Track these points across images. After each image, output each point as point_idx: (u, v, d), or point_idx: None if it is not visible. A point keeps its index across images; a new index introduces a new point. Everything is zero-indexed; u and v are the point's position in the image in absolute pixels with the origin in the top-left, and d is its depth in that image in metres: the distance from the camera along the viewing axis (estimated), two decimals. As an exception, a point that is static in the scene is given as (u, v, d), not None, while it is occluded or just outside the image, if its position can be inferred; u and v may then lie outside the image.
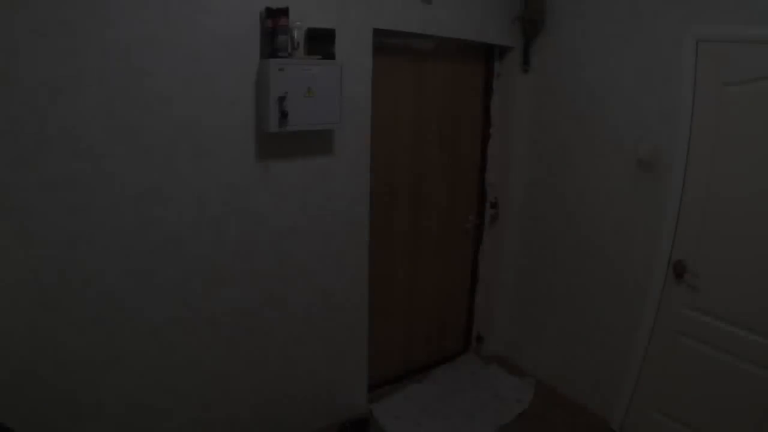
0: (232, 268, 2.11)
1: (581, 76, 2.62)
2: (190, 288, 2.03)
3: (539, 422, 2.73)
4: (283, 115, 1.93)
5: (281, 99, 1.92)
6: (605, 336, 2.65)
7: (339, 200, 2.35)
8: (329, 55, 2.07)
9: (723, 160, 2.12)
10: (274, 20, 1.92)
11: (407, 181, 2.81)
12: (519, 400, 2.88)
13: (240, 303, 2.16)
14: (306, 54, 2.03)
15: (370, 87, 2.34)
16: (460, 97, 2.92)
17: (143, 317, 1.94)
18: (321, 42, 2.06)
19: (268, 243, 2.18)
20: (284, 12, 1.92)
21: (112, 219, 1.81)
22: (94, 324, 1.84)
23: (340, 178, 2.33)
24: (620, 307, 2.56)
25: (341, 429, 2.54)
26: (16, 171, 1.61)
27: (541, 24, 2.74)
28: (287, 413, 2.44)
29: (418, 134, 2.79)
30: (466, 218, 3.09)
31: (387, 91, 2.58)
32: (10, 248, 1.64)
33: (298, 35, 1.98)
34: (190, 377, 2.10)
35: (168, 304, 1.99)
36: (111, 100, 1.72)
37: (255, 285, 2.19)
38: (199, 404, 2.15)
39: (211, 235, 2.03)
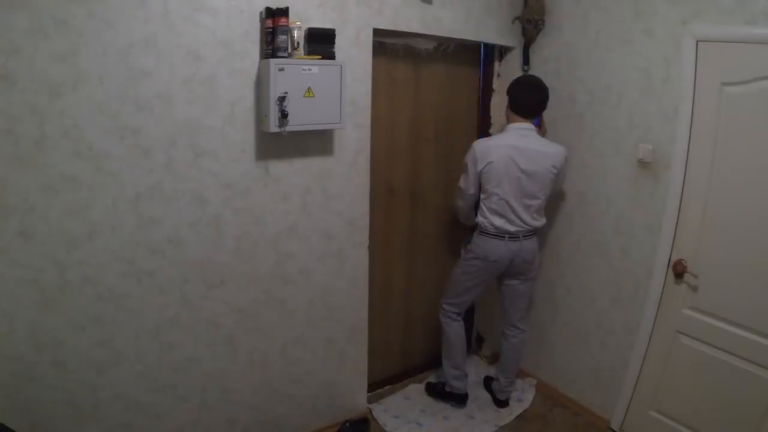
0: (232, 268, 2.11)
1: (581, 77, 2.62)
2: (190, 288, 2.03)
3: (539, 422, 2.73)
4: (283, 115, 1.93)
5: (281, 99, 1.92)
6: (605, 336, 2.65)
7: (339, 200, 2.35)
8: (329, 55, 2.07)
9: (723, 160, 2.12)
10: (274, 20, 1.92)
11: (406, 181, 2.81)
12: (520, 400, 2.88)
13: (240, 303, 2.16)
14: (306, 54, 2.03)
15: (370, 87, 2.34)
16: (460, 96, 2.93)
17: (143, 317, 1.94)
18: (321, 42, 2.06)
19: (268, 243, 2.18)
20: (284, 12, 1.92)
21: (112, 219, 1.81)
22: (94, 324, 1.84)
23: (340, 178, 2.33)
24: (620, 307, 2.56)
25: (341, 429, 2.54)
26: (16, 171, 1.61)
27: (541, 24, 2.74)
28: (287, 413, 2.43)
29: (417, 134, 2.79)
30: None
31: (387, 91, 2.59)
32: (10, 248, 1.64)
33: (298, 35, 1.98)
34: (190, 377, 2.10)
35: (168, 304, 1.99)
36: (111, 100, 1.72)
37: (255, 285, 2.19)
38: (199, 404, 2.15)
39: (211, 235, 2.03)
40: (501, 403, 2.83)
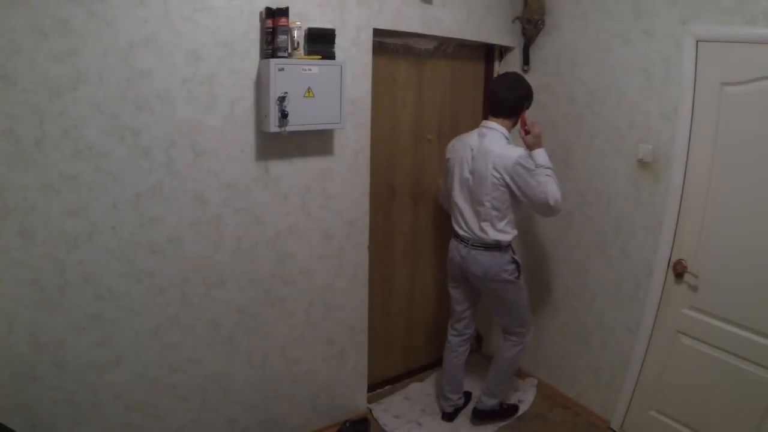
0: (232, 268, 2.11)
1: (581, 76, 2.62)
2: (190, 288, 2.03)
3: (539, 422, 2.73)
4: (283, 115, 1.93)
5: (281, 99, 1.92)
6: (605, 336, 2.65)
7: (339, 200, 2.35)
8: (329, 55, 2.07)
9: (723, 160, 2.12)
10: (274, 20, 1.92)
11: (407, 181, 2.81)
12: (520, 400, 2.88)
13: (240, 303, 2.16)
14: (306, 54, 2.03)
15: (370, 87, 2.34)
16: (460, 97, 2.92)
17: (143, 317, 1.94)
18: (321, 42, 2.06)
19: (268, 243, 2.18)
20: (284, 12, 1.92)
21: (112, 219, 1.81)
22: (94, 324, 1.84)
23: (340, 178, 2.33)
24: (620, 307, 2.56)
25: (341, 429, 2.54)
26: (16, 171, 1.61)
27: (541, 24, 2.74)
28: (287, 413, 2.43)
29: (418, 134, 2.79)
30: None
31: (387, 91, 2.59)
32: (10, 248, 1.64)
33: (298, 35, 1.98)
34: (190, 377, 2.10)
35: (168, 304, 1.99)
36: (111, 100, 1.72)
37: (255, 285, 2.19)
38: (199, 404, 2.15)
39: (211, 235, 2.03)
40: (446, 415, 2.68)
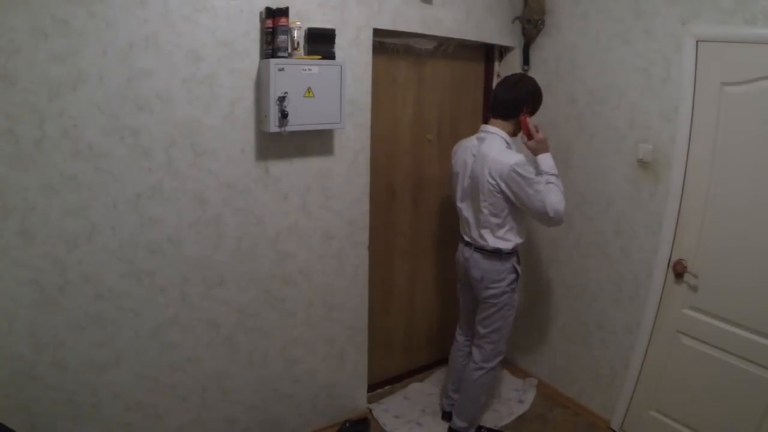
0: (232, 268, 2.11)
1: (581, 76, 2.62)
2: (190, 288, 2.03)
3: (539, 422, 2.73)
4: (283, 115, 1.93)
5: (281, 99, 1.92)
6: (605, 336, 2.65)
7: (339, 200, 2.35)
8: (329, 55, 2.07)
9: (723, 160, 2.12)
10: (274, 20, 1.92)
11: (408, 182, 2.81)
12: (521, 400, 2.88)
13: (240, 303, 2.16)
14: (306, 54, 2.03)
15: (370, 87, 2.34)
16: (460, 97, 2.93)
17: (143, 317, 1.94)
18: (321, 42, 2.06)
19: (268, 243, 2.18)
20: (284, 12, 1.92)
21: (112, 219, 1.81)
22: (94, 324, 1.84)
23: (340, 178, 2.33)
24: (620, 307, 2.56)
25: (341, 429, 2.54)
26: (16, 171, 1.61)
27: (541, 24, 2.74)
28: (287, 413, 2.44)
29: (418, 134, 2.79)
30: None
31: (387, 91, 2.59)
32: (10, 248, 1.64)
33: (298, 35, 1.98)
34: (190, 377, 2.10)
35: (168, 304, 1.99)
36: (111, 100, 1.73)
37: (255, 285, 2.19)
38: (199, 404, 2.15)
39: (211, 235, 2.03)
40: (446, 414, 2.65)
